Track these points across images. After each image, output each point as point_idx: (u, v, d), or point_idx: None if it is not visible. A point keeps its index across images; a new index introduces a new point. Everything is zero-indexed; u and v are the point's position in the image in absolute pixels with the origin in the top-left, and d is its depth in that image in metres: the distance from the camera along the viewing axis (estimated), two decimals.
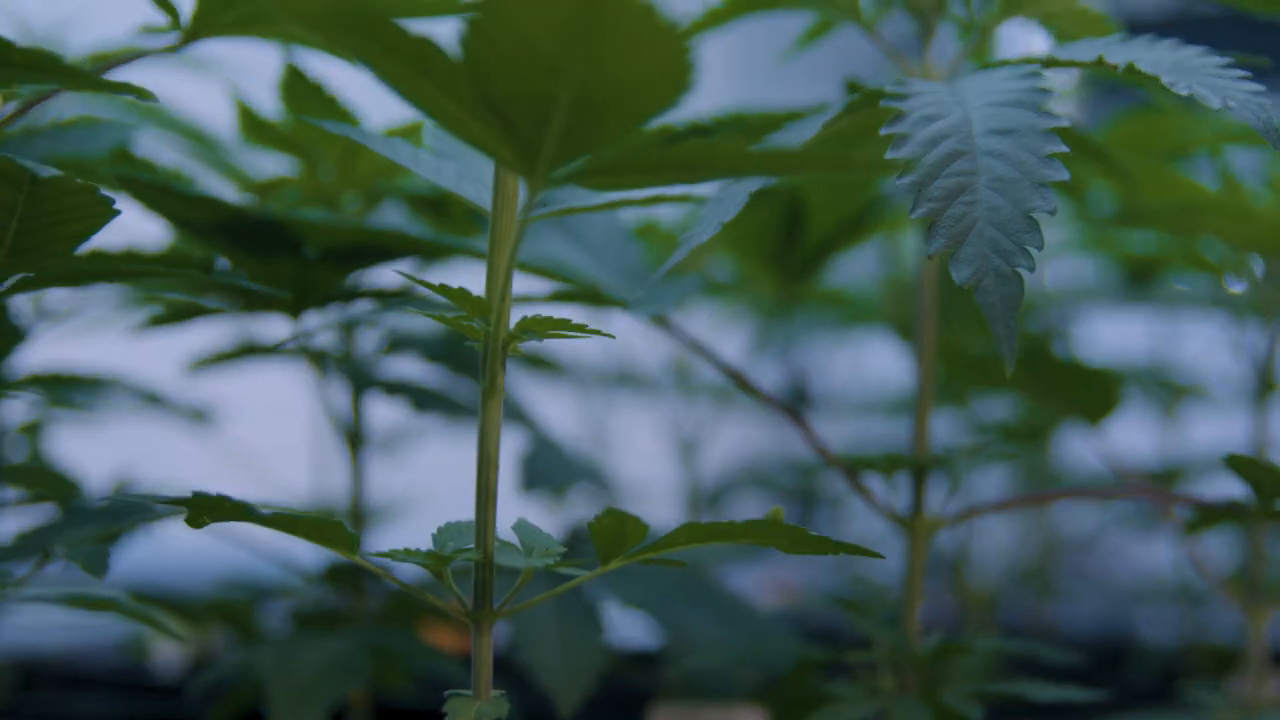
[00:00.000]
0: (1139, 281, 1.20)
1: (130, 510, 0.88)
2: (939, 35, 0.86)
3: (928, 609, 0.84)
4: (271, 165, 0.97)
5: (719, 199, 0.73)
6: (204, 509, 0.62)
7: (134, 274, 0.76)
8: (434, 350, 0.96)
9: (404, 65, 0.53)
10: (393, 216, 0.96)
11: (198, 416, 1.16)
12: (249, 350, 0.96)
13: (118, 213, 0.68)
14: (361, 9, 0.52)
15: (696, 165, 0.58)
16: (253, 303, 0.87)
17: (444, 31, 0.55)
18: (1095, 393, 0.96)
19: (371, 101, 0.89)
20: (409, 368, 0.99)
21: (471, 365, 0.97)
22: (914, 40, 0.90)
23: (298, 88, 0.88)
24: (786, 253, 1.00)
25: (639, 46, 0.49)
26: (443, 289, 0.61)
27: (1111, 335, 1.50)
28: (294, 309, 0.88)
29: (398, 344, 0.97)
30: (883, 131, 0.70)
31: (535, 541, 0.64)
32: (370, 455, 0.96)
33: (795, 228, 0.99)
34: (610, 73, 0.50)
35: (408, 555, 0.62)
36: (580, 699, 0.81)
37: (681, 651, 0.92)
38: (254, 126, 0.91)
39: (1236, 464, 0.78)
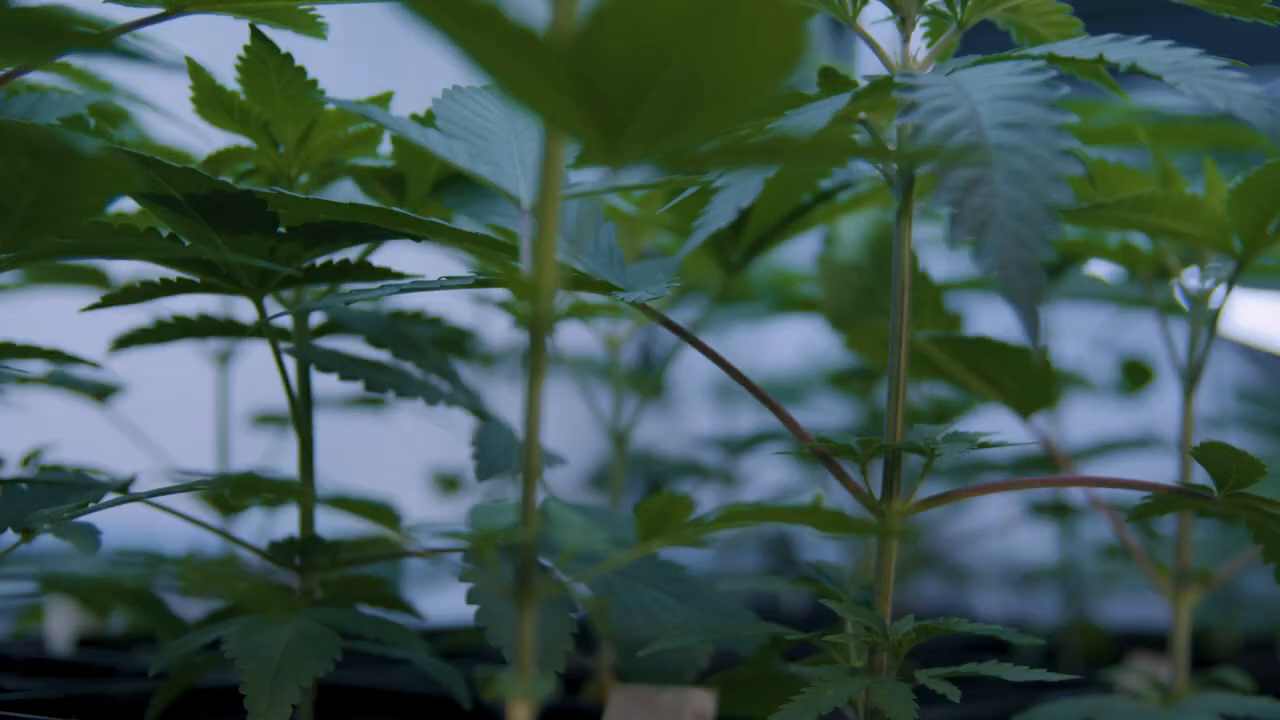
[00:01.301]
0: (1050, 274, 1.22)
1: (79, 489, 0.87)
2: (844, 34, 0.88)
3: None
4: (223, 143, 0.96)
5: (731, 185, 0.74)
6: (249, 488, 0.61)
7: (137, 249, 0.75)
8: (377, 334, 0.95)
9: (491, 41, 0.53)
10: (344, 193, 0.95)
11: (102, 394, 1.15)
12: (212, 328, 0.94)
13: (136, 186, 0.67)
14: None
15: (763, 152, 0.59)
16: (217, 280, 0.87)
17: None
18: (1034, 386, 0.98)
19: (329, 78, 0.89)
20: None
21: (414, 349, 0.96)
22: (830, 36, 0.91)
23: (262, 60, 0.86)
24: (731, 240, 1.01)
25: (756, 32, 0.50)
26: (490, 271, 0.61)
27: (989, 325, 1.53)
28: (261, 288, 0.87)
29: (337, 326, 0.96)
30: (898, 121, 0.72)
31: (571, 523, 0.64)
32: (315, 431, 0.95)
33: (740, 215, 1.00)
34: (723, 58, 0.51)
35: (454, 535, 0.62)
36: (553, 678, 0.82)
37: (631, 632, 0.92)
38: (211, 99, 0.89)
39: (1203, 453, 0.80)
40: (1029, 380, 0.98)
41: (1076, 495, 1.54)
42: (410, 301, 1.03)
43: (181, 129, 0.98)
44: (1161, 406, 1.73)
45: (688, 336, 0.84)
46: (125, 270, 1.19)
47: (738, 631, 0.86)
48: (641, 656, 0.91)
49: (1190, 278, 1.01)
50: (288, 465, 1.30)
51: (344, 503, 0.61)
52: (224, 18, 0.85)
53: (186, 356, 1.36)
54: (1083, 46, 0.75)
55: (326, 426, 1.57)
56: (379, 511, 0.62)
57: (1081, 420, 1.62)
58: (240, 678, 0.81)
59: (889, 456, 0.82)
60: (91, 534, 0.77)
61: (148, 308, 0.96)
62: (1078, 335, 1.63)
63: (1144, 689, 1.01)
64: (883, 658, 0.82)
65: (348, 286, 0.92)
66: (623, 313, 1.12)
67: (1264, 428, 1.66)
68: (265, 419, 1.45)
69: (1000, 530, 1.70)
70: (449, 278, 0.78)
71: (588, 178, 0.79)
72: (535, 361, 0.62)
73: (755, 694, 0.93)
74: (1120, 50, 0.73)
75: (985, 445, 0.80)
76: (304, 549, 0.92)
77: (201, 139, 0.97)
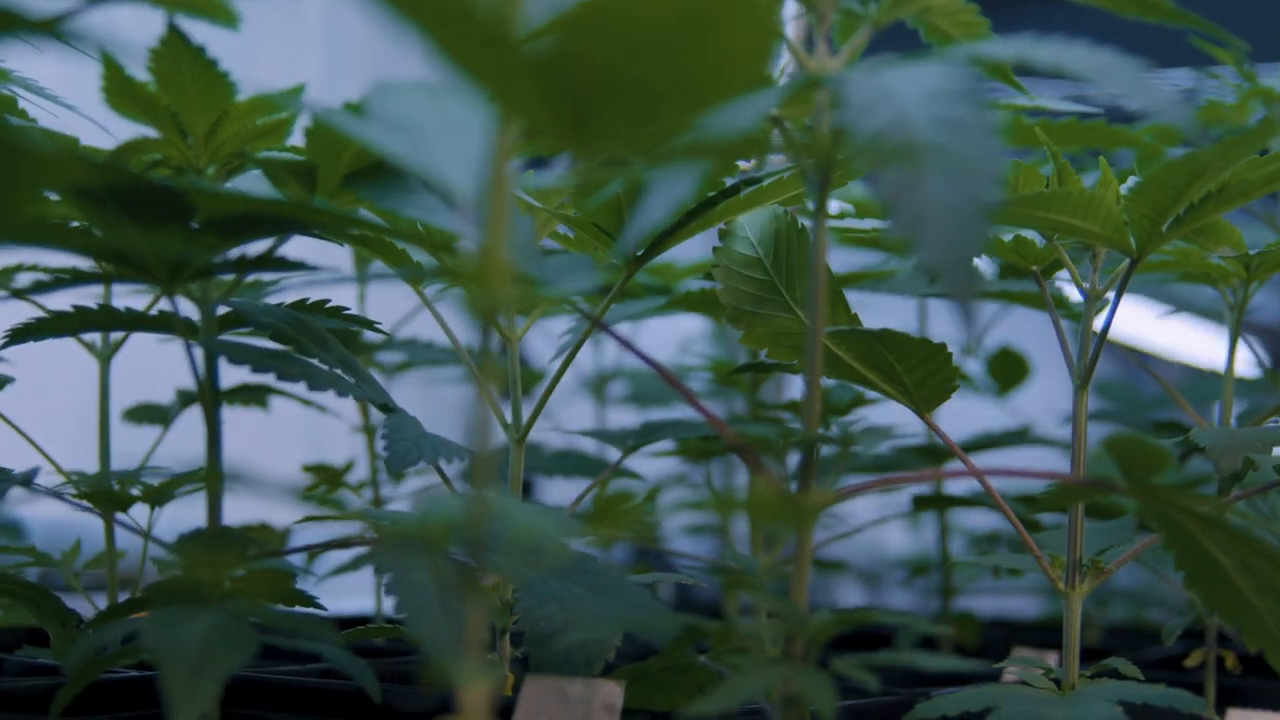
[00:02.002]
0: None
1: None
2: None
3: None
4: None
5: (664, 183, 0.74)
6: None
7: (52, 240, 0.74)
8: (281, 327, 0.95)
9: (464, 38, 0.54)
10: (253, 185, 0.95)
11: None
12: (115, 320, 0.94)
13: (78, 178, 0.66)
14: None
15: (700, 150, 0.60)
16: (131, 272, 0.86)
17: None
18: (935, 381, 1.00)
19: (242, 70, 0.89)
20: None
21: (319, 342, 0.96)
22: None
23: (175, 52, 0.86)
24: (631, 232, 1.02)
25: (732, 35, 0.50)
26: (452, 265, 0.61)
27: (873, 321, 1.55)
28: (173, 280, 0.87)
29: (237, 320, 0.96)
30: (832, 121, 0.73)
31: (516, 515, 0.65)
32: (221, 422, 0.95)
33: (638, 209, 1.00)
34: (697, 59, 0.51)
35: (380, 527, 0.62)
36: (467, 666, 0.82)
37: (543, 624, 0.93)
38: (121, 90, 0.89)
39: (1114, 446, 0.82)
40: (929, 376, 0.99)
41: (956, 487, 1.57)
42: (312, 292, 1.03)
43: (78, 120, 0.97)
44: (1027, 400, 1.76)
45: (605, 328, 0.84)
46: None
47: (652, 623, 0.87)
48: (550, 649, 0.91)
49: (1083, 276, 1.03)
50: (165, 459, 1.29)
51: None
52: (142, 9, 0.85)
53: (61, 351, 1.34)
54: (1006, 48, 0.76)
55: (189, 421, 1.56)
56: (334, 506, 0.62)
57: (952, 414, 1.65)
58: (160, 670, 0.81)
59: (805, 450, 0.83)
60: (19, 526, 0.77)
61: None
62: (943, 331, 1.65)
63: (1036, 679, 1.02)
64: (799, 647, 0.83)
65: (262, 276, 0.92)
66: (523, 309, 1.12)
67: (1124, 422, 1.70)
68: (141, 413, 1.43)
69: (879, 524, 1.72)
70: (402, 269, 0.78)
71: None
72: (485, 354, 0.62)
73: (663, 685, 0.94)
74: (1045, 52, 0.75)
75: (899, 438, 0.82)
76: (212, 541, 0.92)
77: (99, 130, 0.96)
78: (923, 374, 0.99)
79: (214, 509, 0.93)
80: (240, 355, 0.91)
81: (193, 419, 1.34)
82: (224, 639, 0.83)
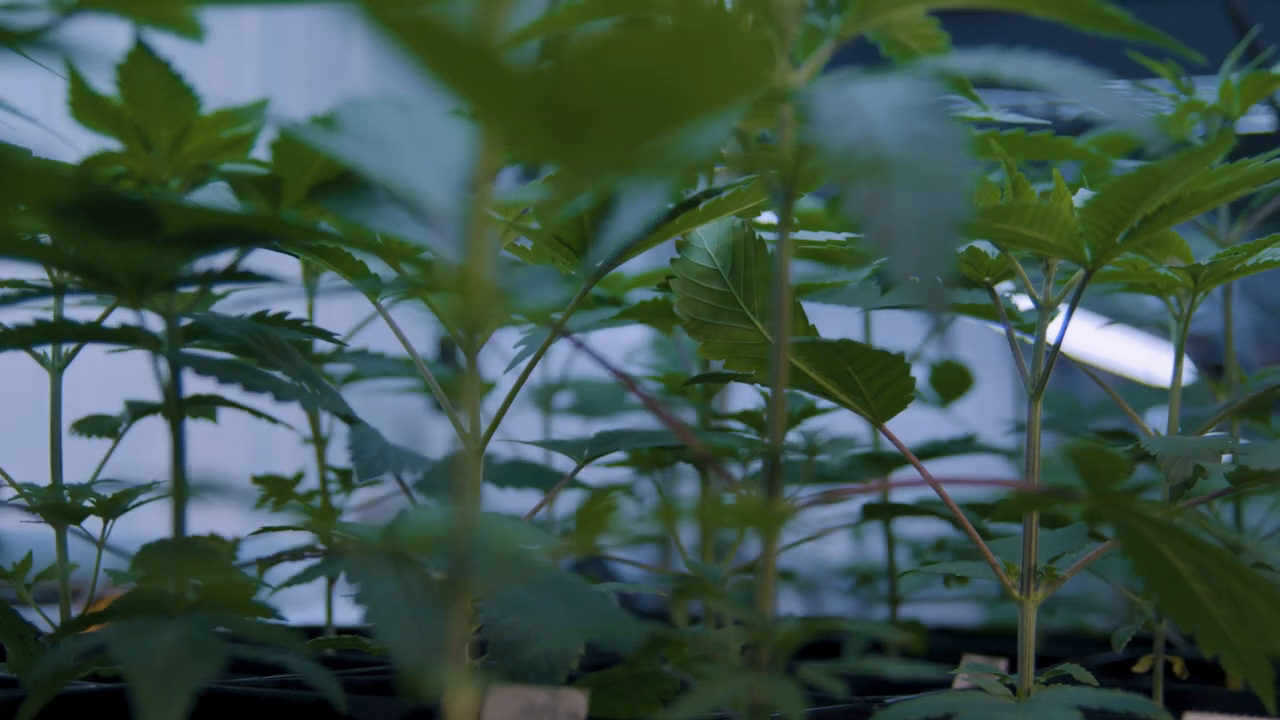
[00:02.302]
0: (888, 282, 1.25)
1: None
2: None
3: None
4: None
5: (641, 193, 0.75)
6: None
7: (21, 252, 0.75)
8: (243, 339, 0.95)
9: (461, 66, 0.54)
10: (215, 197, 0.95)
11: None
12: (75, 333, 0.94)
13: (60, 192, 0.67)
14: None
15: (671, 164, 0.61)
16: (98, 284, 0.86)
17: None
18: (892, 392, 1.01)
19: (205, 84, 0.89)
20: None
21: (281, 354, 0.96)
22: None
23: (141, 66, 0.87)
24: (589, 246, 1.03)
25: (727, 60, 0.51)
26: (432, 277, 0.62)
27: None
28: (140, 292, 0.87)
29: (199, 333, 0.96)
30: (800, 136, 0.74)
31: (497, 527, 0.66)
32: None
33: (601, 221, 1.01)
34: (692, 84, 0.52)
35: (350, 538, 0.62)
36: (438, 674, 0.82)
37: (508, 633, 0.93)
38: (86, 103, 0.89)
39: (1075, 454, 0.84)
40: (887, 386, 1.00)
41: (901, 495, 1.58)
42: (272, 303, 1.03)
43: (44, 132, 0.97)
44: (968, 410, 1.78)
45: (576, 340, 0.85)
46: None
47: (618, 632, 0.88)
48: (515, 658, 0.92)
49: (1035, 287, 1.05)
50: (115, 472, 1.29)
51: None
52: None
53: (12, 363, 1.34)
54: (972, 61, 0.78)
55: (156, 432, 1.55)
56: (319, 515, 0.62)
57: (895, 422, 1.66)
58: (130, 682, 0.81)
59: (771, 459, 0.84)
60: None
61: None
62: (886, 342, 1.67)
63: (992, 685, 1.04)
64: (764, 655, 0.84)
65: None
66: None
67: (1065, 430, 1.72)
68: (90, 425, 1.43)
69: (827, 533, 1.74)
70: (383, 284, 0.78)
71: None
72: (470, 369, 0.63)
73: (627, 693, 0.95)
74: (1010, 66, 0.76)
75: (854, 449, 0.83)
76: (177, 552, 0.92)
77: (63, 142, 0.96)
78: (880, 384, 1.01)
79: (178, 520, 0.93)
80: (207, 367, 0.91)
81: (141, 431, 1.34)
82: (192, 650, 0.83)
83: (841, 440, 0.81)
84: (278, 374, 0.96)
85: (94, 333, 0.94)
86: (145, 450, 1.33)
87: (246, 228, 0.82)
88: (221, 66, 1.64)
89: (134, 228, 0.83)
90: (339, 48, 2.75)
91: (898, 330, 1.60)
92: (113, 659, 0.82)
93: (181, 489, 0.94)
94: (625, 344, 1.80)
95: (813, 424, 1.30)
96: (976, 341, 2.25)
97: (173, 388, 0.93)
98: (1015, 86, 0.76)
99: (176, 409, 0.93)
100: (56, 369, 1.26)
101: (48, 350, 1.25)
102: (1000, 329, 1.11)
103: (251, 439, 1.55)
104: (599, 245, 0.73)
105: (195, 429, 1.60)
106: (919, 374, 1.69)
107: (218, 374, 0.91)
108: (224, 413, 1.43)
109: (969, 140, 0.71)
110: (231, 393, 0.96)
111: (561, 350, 1.69)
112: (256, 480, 1.56)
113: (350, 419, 0.98)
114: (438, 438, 1.45)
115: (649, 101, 0.53)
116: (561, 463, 1.68)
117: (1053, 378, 2.04)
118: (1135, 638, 1.20)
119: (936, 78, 0.75)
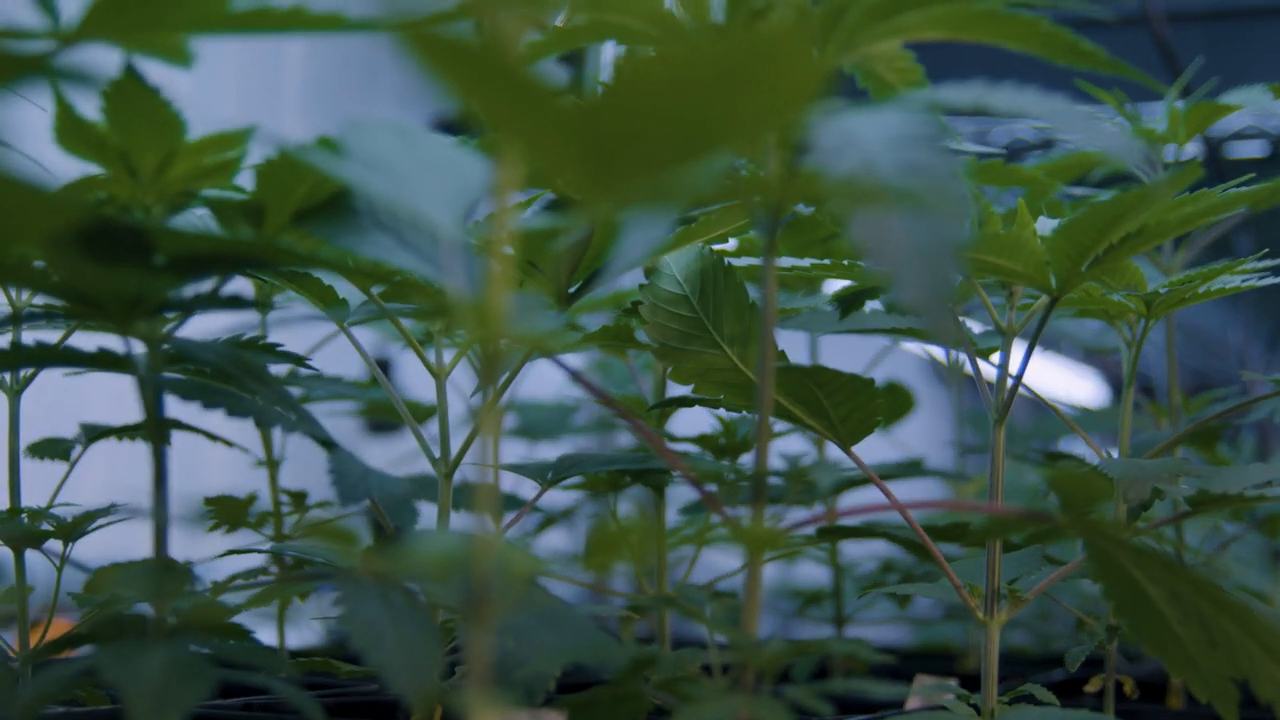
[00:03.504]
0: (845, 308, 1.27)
1: None
2: None
3: None
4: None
5: (643, 223, 0.77)
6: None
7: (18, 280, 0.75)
8: (222, 364, 0.96)
9: (502, 96, 0.55)
10: (198, 223, 0.95)
11: None
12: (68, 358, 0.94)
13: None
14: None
15: (675, 193, 0.62)
16: (85, 310, 0.87)
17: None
18: (857, 415, 1.03)
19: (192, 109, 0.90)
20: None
21: (258, 379, 0.97)
22: None
23: (129, 92, 0.87)
24: (568, 274, 1.04)
25: (773, 90, 0.53)
26: (441, 305, 0.62)
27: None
28: (128, 318, 0.87)
29: (180, 358, 0.97)
30: (801, 162, 0.75)
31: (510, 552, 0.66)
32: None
33: (578, 249, 1.02)
34: (735, 112, 0.54)
35: (410, 562, 0.63)
36: (426, 694, 0.83)
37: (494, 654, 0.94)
38: (72, 129, 0.89)
39: (1054, 478, 0.85)
40: (855, 411, 1.02)
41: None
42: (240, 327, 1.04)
43: (25, 159, 0.97)
44: (908, 433, 1.80)
45: (573, 373, 0.86)
46: None
47: (601, 653, 0.89)
48: (494, 679, 0.93)
49: (997, 314, 1.07)
50: (74, 497, 1.29)
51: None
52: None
53: None
54: (965, 93, 0.79)
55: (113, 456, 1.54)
56: (338, 533, 0.63)
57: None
58: (124, 705, 0.81)
59: (756, 483, 0.85)
60: None
61: None
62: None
63: (955, 705, 1.05)
64: (749, 676, 0.86)
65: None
66: (454, 343, 1.14)
67: (1011, 454, 1.74)
68: (44, 448, 1.43)
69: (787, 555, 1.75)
70: (395, 307, 0.79)
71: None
72: (489, 392, 0.64)
73: (606, 714, 0.96)
74: (1003, 99, 0.78)
75: (847, 473, 0.84)
76: (159, 574, 0.92)
77: (41, 168, 0.96)
78: (848, 409, 1.02)
79: (160, 541, 0.93)
80: (189, 392, 0.92)
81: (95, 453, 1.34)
82: (183, 673, 0.83)
83: (828, 466, 0.83)
84: (254, 398, 0.97)
85: (75, 357, 0.94)
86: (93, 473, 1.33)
87: (234, 253, 0.83)
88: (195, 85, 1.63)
89: (124, 253, 0.84)
90: (273, 70, 2.74)
91: (840, 354, 1.62)
92: (105, 681, 0.82)
93: (163, 511, 0.94)
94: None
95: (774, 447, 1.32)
96: (904, 363, 2.28)
97: (155, 411, 0.93)
98: (1006, 116, 0.78)
99: (158, 432, 0.93)
100: (14, 391, 1.26)
101: (5, 375, 1.25)
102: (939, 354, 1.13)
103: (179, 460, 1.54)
104: (613, 271, 0.74)
105: (130, 451, 1.60)
106: None
107: (201, 398, 0.92)
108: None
109: (964, 170, 0.72)
110: (188, 414, 0.97)
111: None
112: (209, 502, 1.56)
113: (328, 443, 0.98)
114: (374, 460, 1.45)
115: (691, 128, 0.54)
116: (510, 484, 1.69)
117: (970, 402, 2.07)
118: (1090, 659, 1.22)
119: (928, 109, 0.77)
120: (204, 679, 0.84)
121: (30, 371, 1.24)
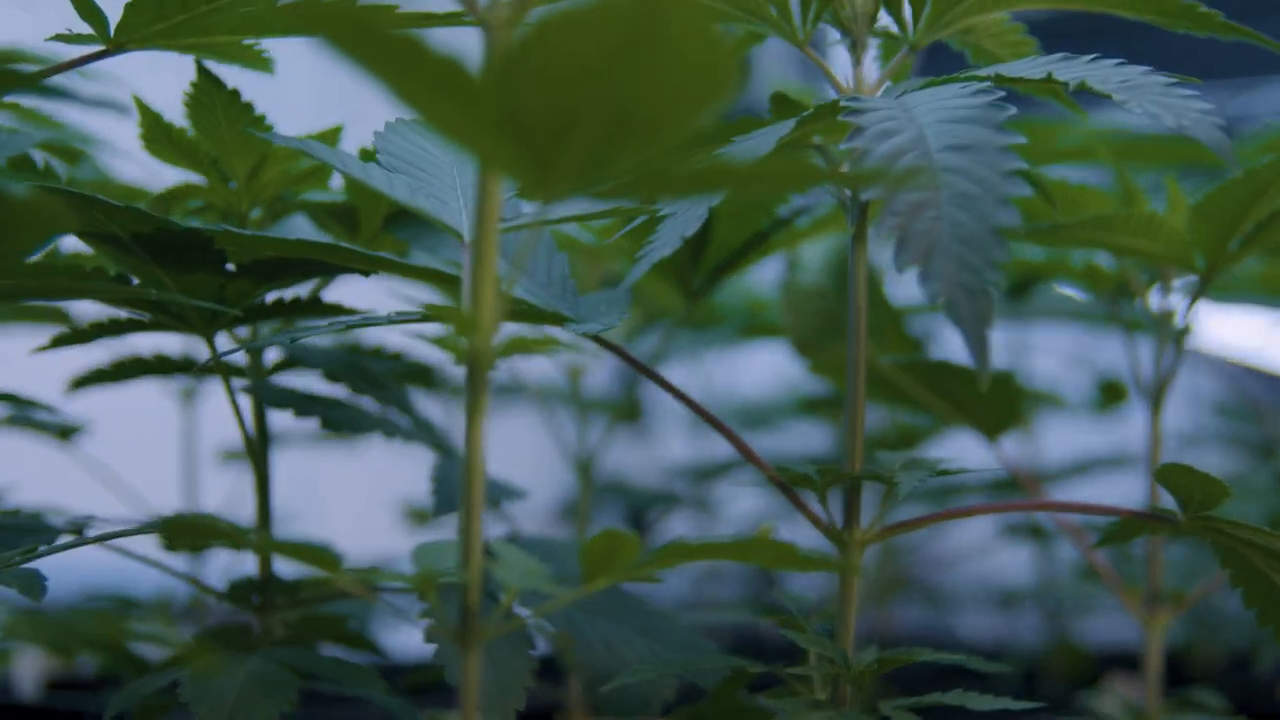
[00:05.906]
0: (1012, 295, 1.22)
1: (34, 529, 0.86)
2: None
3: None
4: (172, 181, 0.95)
5: (677, 214, 0.73)
6: (183, 531, 0.60)
7: (78, 291, 0.74)
8: (334, 369, 0.94)
9: (416, 78, 0.52)
10: (297, 229, 0.94)
11: (65, 433, 1.13)
12: (167, 366, 0.94)
13: (68, 227, 0.66)
14: (376, 20, 0.50)
15: (699, 180, 0.58)
16: (167, 319, 0.86)
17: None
18: (999, 407, 0.98)
19: (276, 113, 0.88)
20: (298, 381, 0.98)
21: (373, 384, 0.95)
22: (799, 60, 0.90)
23: (209, 96, 0.86)
24: (690, 267, 1.00)
25: (685, 62, 0.49)
26: (432, 309, 0.60)
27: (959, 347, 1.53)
28: (210, 326, 0.86)
29: (294, 362, 0.95)
30: (843, 145, 0.71)
31: (515, 561, 0.63)
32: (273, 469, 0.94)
33: (700, 243, 0.99)
34: (651, 90, 0.50)
35: (394, 577, 0.61)
36: (512, 715, 0.80)
37: (592, 664, 0.91)
38: (160, 136, 0.88)
39: (1165, 475, 0.79)
40: (993, 402, 0.97)
41: (1046, 517, 1.53)
42: (369, 336, 1.02)
43: (138, 167, 0.97)
44: (1138, 424, 1.72)
45: (640, 366, 0.82)
46: (88, 308, 1.18)
47: (698, 665, 0.85)
48: (606, 691, 0.90)
49: (1155, 295, 1.00)
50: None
51: (279, 547, 0.60)
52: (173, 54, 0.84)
53: (154, 394, 1.35)
54: (1030, 66, 0.74)
55: (300, 459, 1.55)
56: (316, 554, 0.60)
57: (1061, 438, 1.61)
58: (196, 716, 0.80)
59: (849, 485, 0.81)
60: (36, 580, 0.76)
61: (112, 345, 0.95)
62: (1053, 352, 1.62)
63: (1118, 712, 0.99)
64: (845, 689, 0.81)
65: (306, 322, 0.91)
66: (576, 345, 1.11)
67: (1241, 444, 1.65)
68: (234, 455, 1.44)
69: (979, 552, 1.69)
70: (397, 313, 0.77)
71: (531, 208, 0.79)
72: (475, 398, 0.61)
73: None
74: (1068, 69, 0.72)
75: (945, 473, 0.79)
76: (262, 589, 0.91)
77: (155, 177, 0.96)
78: (987, 401, 0.97)
79: (264, 556, 0.92)
80: (283, 399, 0.90)
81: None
82: (262, 688, 0.82)
83: (919, 463, 0.78)
84: (364, 403, 0.95)
85: (175, 365, 0.94)
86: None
87: (304, 257, 0.81)
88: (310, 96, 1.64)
89: (197, 260, 0.82)
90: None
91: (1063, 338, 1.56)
92: (180, 699, 0.81)
93: (267, 523, 0.93)
94: (775, 363, 1.77)
95: (936, 445, 1.26)
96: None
97: (259, 419, 0.92)
98: (1079, 90, 0.72)
99: (262, 441, 0.92)
100: (187, 398, 1.27)
101: (180, 382, 1.26)
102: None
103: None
104: (641, 266, 0.70)
105: (356, 455, 1.60)
106: (1083, 382, 1.64)
107: (294, 407, 0.90)
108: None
109: (1018, 146, 0.67)
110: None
111: (713, 368, 1.66)
112: (409, 510, 1.56)
113: (441, 449, 0.96)
114: (613, 464, 1.44)
115: (615, 105, 0.50)
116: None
117: (1230, 389, 1.97)
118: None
119: (991, 83, 0.71)
120: (284, 694, 0.82)
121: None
